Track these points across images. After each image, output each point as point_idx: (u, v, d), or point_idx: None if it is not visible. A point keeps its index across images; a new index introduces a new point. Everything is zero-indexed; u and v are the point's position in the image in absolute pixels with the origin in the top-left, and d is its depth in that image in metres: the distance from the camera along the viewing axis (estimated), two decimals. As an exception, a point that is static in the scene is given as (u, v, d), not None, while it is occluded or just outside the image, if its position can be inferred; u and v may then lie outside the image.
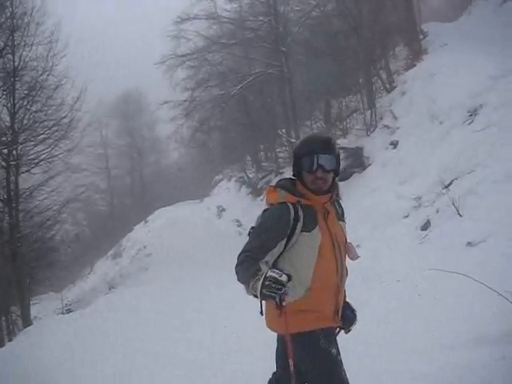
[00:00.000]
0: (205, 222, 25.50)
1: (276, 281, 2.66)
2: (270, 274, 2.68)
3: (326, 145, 2.96)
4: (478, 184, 7.47)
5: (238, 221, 22.76)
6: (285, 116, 21.26)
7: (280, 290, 2.66)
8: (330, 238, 2.92)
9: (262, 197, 22.03)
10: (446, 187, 8.34)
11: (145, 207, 34.98)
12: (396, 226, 8.62)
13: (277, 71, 20.59)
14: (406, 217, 8.80)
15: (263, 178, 23.22)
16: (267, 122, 21.84)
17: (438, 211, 7.72)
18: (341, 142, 15.89)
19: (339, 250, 2.97)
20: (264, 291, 2.66)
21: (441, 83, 12.57)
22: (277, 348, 3.15)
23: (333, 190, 3.00)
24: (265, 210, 3.04)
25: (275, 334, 3.06)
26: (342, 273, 2.97)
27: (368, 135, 15.20)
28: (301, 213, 2.86)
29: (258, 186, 23.26)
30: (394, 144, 12.88)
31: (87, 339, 9.03)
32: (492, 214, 6.53)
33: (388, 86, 17.13)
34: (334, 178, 2.98)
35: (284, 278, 2.65)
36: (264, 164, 24.69)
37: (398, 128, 13.27)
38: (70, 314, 14.84)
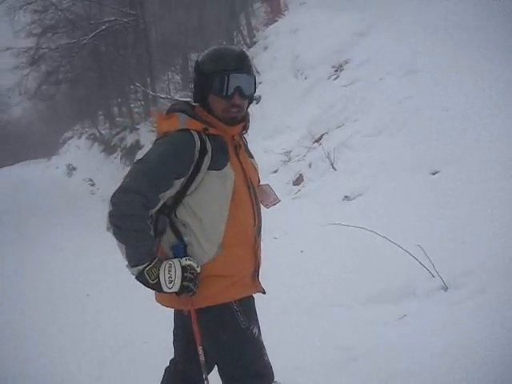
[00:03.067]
0: (54, 181, 24.08)
1: (193, 270, 2.09)
2: (188, 262, 2.09)
3: (242, 61, 2.24)
4: (349, 138, 7.34)
5: (90, 180, 21.60)
6: (140, 69, 20.19)
7: (196, 279, 2.10)
8: (244, 178, 2.26)
9: (115, 154, 21.08)
10: (317, 141, 8.16)
11: (-15, 166, 32.08)
12: (265, 180, 8.30)
13: (132, 21, 19.36)
14: (276, 171, 8.50)
15: (117, 134, 22.03)
16: (121, 75, 20.58)
17: (310, 165, 7.53)
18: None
19: (254, 193, 2.32)
20: (185, 284, 2.06)
21: (304, 39, 12.43)
22: (174, 328, 2.52)
23: (246, 118, 2.32)
24: (157, 140, 2.27)
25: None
26: (259, 223, 2.33)
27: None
28: (209, 144, 2.15)
29: (112, 143, 22.07)
30: (257, 99, 12.56)
31: None
32: (365, 167, 6.43)
33: (249, 40, 16.81)
34: (247, 105, 2.29)
35: (198, 265, 2.12)
36: (118, 119, 23.47)
37: (260, 83, 12.95)
38: None
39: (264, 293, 2.38)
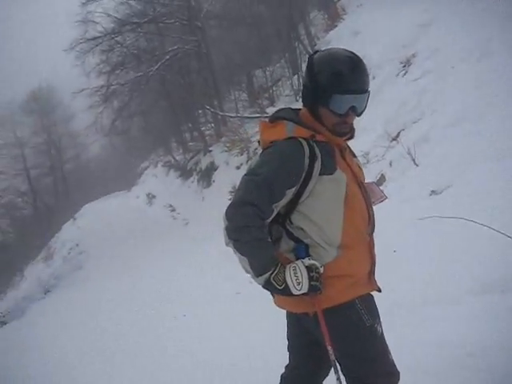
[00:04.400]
0: (135, 211, 24.75)
1: (318, 269, 2.09)
2: (311, 262, 2.08)
3: (364, 79, 2.19)
4: (428, 131, 7.15)
5: (170, 206, 22.06)
6: (207, 92, 20.60)
7: (321, 278, 2.10)
8: (354, 179, 2.25)
9: (192, 178, 21.49)
10: (394, 139, 8.00)
11: (71, 205, 33.45)
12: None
13: (193, 47, 19.88)
14: (356, 175, 8.40)
15: (191, 158, 22.53)
16: (189, 101, 21.08)
17: (391, 164, 7.38)
18: (269, 111, 15.51)
19: (365, 191, 2.32)
20: (313, 284, 2.05)
21: (367, 39, 12.28)
22: (289, 332, 2.51)
23: (352, 131, 2.31)
24: (264, 150, 2.26)
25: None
26: (373, 219, 2.32)
27: (297, 100, 14.81)
28: (317, 150, 2.13)
29: (187, 168, 22.57)
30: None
31: (22, 355, 8.31)
32: (449, 159, 6.22)
33: (310, 49, 16.81)
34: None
35: (321, 265, 2.12)
36: (191, 144, 23.95)
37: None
38: (4, 326, 13.92)
39: (380, 291, 2.36)
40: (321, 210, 2.15)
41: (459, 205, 4.94)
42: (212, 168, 19.06)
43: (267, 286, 2.10)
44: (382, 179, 7.36)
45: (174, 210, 21.31)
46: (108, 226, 22.64)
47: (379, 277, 2.37)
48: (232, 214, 2.10)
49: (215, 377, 4.52)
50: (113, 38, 20.69)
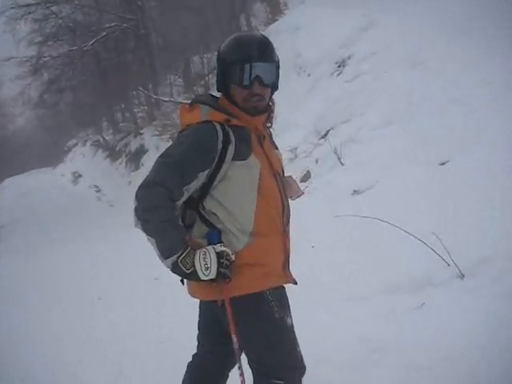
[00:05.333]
0: (60, 189, 24.14)
1: (229, 256, 2.07)
2: (222, 248, 2.06)
3: (264, 49, 2.21)
4: (356, 132, 7.28)
5: (96, 186, 21.66)
6: (142, 74, 20.21)
7: (231, 266, 2.08)
8: (269, 168, 2.25)
9: (120, 160, 21.11)
10: (323, 137, 8.11)
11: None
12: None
13: (132, 26, 19.46)
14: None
15: (121, 139, 22.12)
16: (123, 81, 20.59)
17: (317, 161, 7.49)
18: (204, 98, 15.43)
19: (281, 182, 2.32)
20: (222, 270, 2.03)
21: (305, 37, 12.40)
22: (200, 322, 2.49)
23: (269, 108, 2.29)
24: (180, 133, 2.25)
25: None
26: (288, 211, 2.33)
27: (233, 90, 14.77)
28: (232, 135, 2.12)
29: (117, 149, 22.16)
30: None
31: None
32: (374, 160, 6.36)
33: (250, 41, 16.81)
34: (271, 93, 2.27)
35: (232, 252, 2.10)
36: (122, 125, 23.49)
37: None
38: None
39: (295, 283, 2.36)
40: (233, 195, 2.14)
41: (377, 205, 5.08)
42: (141, 151, 18.79)
43: (175, 269, 2.06)
44: (307, 175, 7.46)
45: (99, 191, 20.93)
46: (30, 202, 21.94)
47: (295, 270, 2.39)
48: (142, 194, 2.07)
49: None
50: (47, 7, 19.90)
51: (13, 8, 18.95)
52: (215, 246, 2.07)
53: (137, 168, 18.84)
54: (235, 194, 2.15)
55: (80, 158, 27.87)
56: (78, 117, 25.80)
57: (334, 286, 4.35)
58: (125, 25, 19.41)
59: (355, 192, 6.02)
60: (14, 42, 20.13)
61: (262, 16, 18.04)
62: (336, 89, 9.16)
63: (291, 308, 2.29)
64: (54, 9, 20.30)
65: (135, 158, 19.26)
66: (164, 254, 2.05)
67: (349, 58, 9.96)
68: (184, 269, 2.04)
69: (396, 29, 9.36)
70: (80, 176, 24.91)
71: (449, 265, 3.79)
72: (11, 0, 18.91)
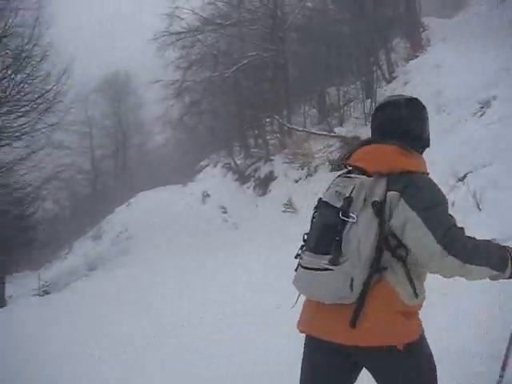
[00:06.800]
0: (188, 207, 25.02)
1: None
2: None
3: None
4: (497, 177, 6.96)
5: (223, 207, 22.21)
6: (277, 102, 20.70)
7: None
8: None
9: (248, 184, 21.57)
10: (461, 180, 7.83)
11: (127, 190, 34.21)
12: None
13: (272, 56, 20.05)
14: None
15: (252, 164, 22.62)
16: (259, 108, 21.22)
17: (453, 205, 7.23)
18: (338, 131, 15.46)
19: None
20: None
21: (447, 74, 12.16)
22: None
23: None
24: (418, 177, 2.25)
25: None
26: None
27: (366, 125, 14.69)
28: None
29: (246, 173, 22.68)
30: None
31: (61, 328, 8.56)
32: (516, 208, 6.04)
33: (388, 76, 16.68)
34: None
35: None
36: (253, 150, 24.08)
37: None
38: (47, 295, 14.33)
39: None
40: None
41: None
42: (270, 177, 19.12)
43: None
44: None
45: (225, 212, 21.46)
46: (159, 217, 23.00)
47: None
48: (459, 240, 2.13)
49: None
50: (195, 35, 21.19)
51: (165, 35, 20.39)
52: None
53: (264, 193, 19.18)
54: None
55: (210, 179, 28.85)
56: (212, 139, 26.87)
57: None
58: (265, 54, 20.06)
59: (494, 241, 5.73)
60: (163, 66, 21.60)
61: (402, 51, 17.85)
62: (478, 130, 8.82)
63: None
64: (200, 37, 21.55)
65: (263, 183, 19.63)
66: (501, 267, 2.20)
67: (493, 98, 9.59)
68: None
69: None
70: (208, 196, 25.74)
71: None
72: (165, 29, 20.41)
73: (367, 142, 2.39)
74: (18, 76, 15.86)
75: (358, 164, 2.28)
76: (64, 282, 16.81)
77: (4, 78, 15.65)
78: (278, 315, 6.09)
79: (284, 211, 14.47)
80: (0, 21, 15.11)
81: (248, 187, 21.69)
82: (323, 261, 2.09)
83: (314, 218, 2.31)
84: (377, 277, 2.12)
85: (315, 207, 2.33)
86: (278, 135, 20.99)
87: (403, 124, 2.38)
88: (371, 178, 2.19)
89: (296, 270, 2.29)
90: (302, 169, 16.20)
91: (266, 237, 12.91)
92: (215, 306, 7.82)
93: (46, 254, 27.07)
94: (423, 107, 2.47)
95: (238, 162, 25.01)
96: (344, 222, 2.10)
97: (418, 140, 2.40)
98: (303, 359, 2.39)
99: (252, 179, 21.53)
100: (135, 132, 46.17)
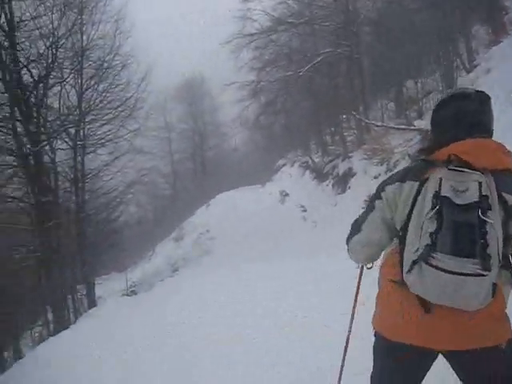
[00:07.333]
0: (267, 206, 25.13)
1: None
2: None
3: None
4: None
5: (302, 206, 22.20)
6: (353, 98, 20.47)
7: None
8: None
9: (327, 182, 21.44)
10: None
11: (206, 191, 34.80)
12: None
13: (346, 51, 19.85)
14: None
15: (329, 162, 22.49)
16: (334, 105, 21.05)
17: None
18: (417, 124, 15.09)
19: None
20: None
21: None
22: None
23: None
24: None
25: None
26: None
27: (447, 116, 14.24)
28: None
29: (324, 171, 22.58)
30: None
31: (149, 325, 8.80)
32: None
33: (468, 65, 16.11)
34: None
35: None
36: (330, 147, 23.93)
37: (482, 108, 12.26)
38: (134, 296, 14.78)
39: None
40: None
41: None
42: (349, 174, 18.93)
43: None
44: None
45: (305, 211, 21.44)
46: (239, 217, 23.27)
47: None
48: None
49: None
50: (268, 35, 21.32)
51: (238, 37, 20.63)
52: None
53: (343, 191, 19.02)
54: None
55: (288, 178, 28.86)
56: (288, 138, 26.91)
57: None
58: (338, 50, 19.90)
59: None
60: (237, 68, 21.86)
61: (483, 38, 17.15)
62: None
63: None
64: (273, 37, 21.66)
65: (342, 180, 19.47)
66: None
67: None
68: None
69: None
70: (287, 195, 25.78)
71: None
72: (238, 31, 20.67)
73: (463, 136, 2.22)
74: (101, 86, 16.55)
75: (465, 157, 2.13)
76: (149, 282, 17.31)
77: (88, 89, 16.36)
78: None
79: (364, 208, 14.24)
80: (83, 34, 15.81)
81: (327, 185, 21.57)
82: (471, 265, 1.98)
83: (436, 213, 2.08)
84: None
85: (437, 200, 2.10)
86: (356, 131, 20.74)
87: (485, 118, 2.28)
88: (486, 176, 2.09)
89: (411, 271, 2.12)
90: (382, 164, 15.92)
91: (345, 235, 12.69)
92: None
93: (131, 257, 28.00)
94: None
95: (316, 160, 24.92)
96: (482, 222, 2.00)
97: (491, 135, 2.28)
98: (393, 370, 2.35)
99: (330, 177, 21.40)
100: (212, 134, 46.97)
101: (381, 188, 2.36)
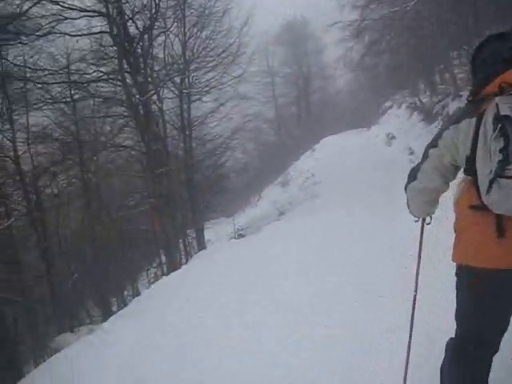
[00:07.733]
0: (373, 150, 24.68)
1: None
2: None
3: None
4: None
5: (410, 149, 21.52)
6: (465, 31, 19.20)
7: None
8: None
9: (436, 123, 20.58)
10: None
11: (311, 136, 34.68)
12: None
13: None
14: None
15: (439, 102, 21.46)
16: (443, 40, 19.85)
17: None
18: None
19: None
20: None
21: None
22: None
23: None
24: None
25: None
26: None
27: None
28: None
29: (433, 112, 21.61)
30: None
31: (255, 264, 9.07)
32: None
33: None
34: None
35: None
36: (440, 87, 22.79)
37: None
38: (242, 239, 15.19)
39: None
40: None
41: None
42: (460, 114, 18.03)
43: None
44: None
45: (412, 154, 20.80)
46: (344, 161, 23.00)
47: None
48: None
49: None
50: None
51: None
52: None
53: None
54: None
55: (395, 120, 28.06)
56: (395, 79, 25.96)
57: None
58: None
59: None
60: (339, 7, 21.16)
61: None
62: None
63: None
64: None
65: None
66: None
67: None
68: None
69: None
70: (394, 138, 25.12)
71: None
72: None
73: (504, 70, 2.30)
74: (203, 33, 16.72)
75: None
76: (256, 226, 17.68)
77: (191, 37, 16.59)
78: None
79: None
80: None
81: (436, 126, 20.66)
82: None
83: (500, 131, 2.17)
84: None
85: (499, 120, 2.18)
86: (467, 68, 19.57)
87: None
88: None
89: (489, 192, 2.18)
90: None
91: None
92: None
93: (239, 201, 28.72)
94: None
95: (424, 100, 23.94)
96: None
97: None
98: (482, 299, 2.40)
99: (439, 118, 20.47)
100: (316, 77, 46.28)
101: (438, 135, 2.49)
